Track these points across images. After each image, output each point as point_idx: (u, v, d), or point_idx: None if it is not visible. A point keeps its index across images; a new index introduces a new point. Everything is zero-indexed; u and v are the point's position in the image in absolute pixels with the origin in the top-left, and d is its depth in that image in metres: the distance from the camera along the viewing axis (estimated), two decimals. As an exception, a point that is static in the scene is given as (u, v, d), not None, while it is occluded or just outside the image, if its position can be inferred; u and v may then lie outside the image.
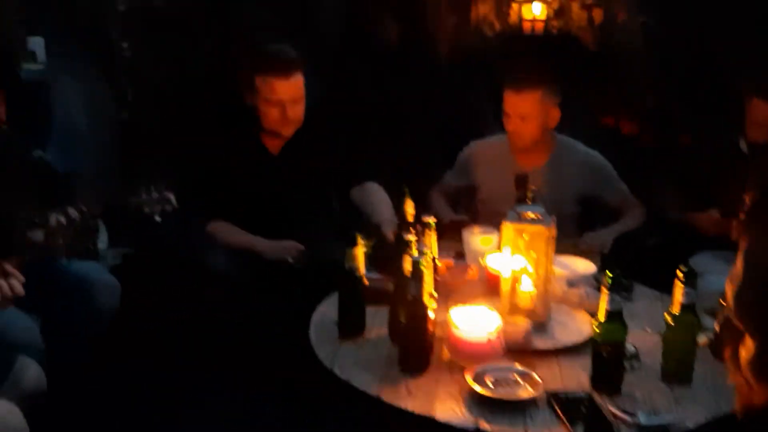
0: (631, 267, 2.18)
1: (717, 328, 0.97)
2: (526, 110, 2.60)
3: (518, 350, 1.80)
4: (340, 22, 3.89)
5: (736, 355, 0.90)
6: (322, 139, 2.64)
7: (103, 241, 3.26)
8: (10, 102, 2.18)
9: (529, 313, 1.93)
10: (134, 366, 2.63)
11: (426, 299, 1.72)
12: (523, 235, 1.92)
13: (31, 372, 1.88)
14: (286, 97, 2.47)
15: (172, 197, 2.13)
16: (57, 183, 3.26)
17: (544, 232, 1.91)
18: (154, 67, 3.78)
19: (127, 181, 3.43)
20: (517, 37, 3.79)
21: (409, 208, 2.17)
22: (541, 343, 1.87)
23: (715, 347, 1.62)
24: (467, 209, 2.85)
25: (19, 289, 1.79)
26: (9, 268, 1.79)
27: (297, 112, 2.50)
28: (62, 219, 2.02)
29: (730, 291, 0.90)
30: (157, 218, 2.12)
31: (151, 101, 3.75)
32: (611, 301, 1.63)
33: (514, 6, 3.84)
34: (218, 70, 3.70)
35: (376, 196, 2.59)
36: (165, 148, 3.57)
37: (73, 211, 2.02)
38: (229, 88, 2.95)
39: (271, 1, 3.80)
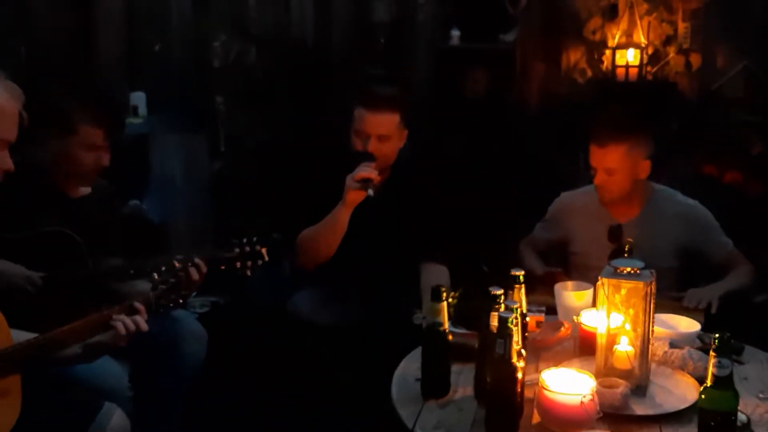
0: (740, 326, 2.02)
1: None
2: (612, 164, 2.49)
3: (615, 414, 1.68)
4: (430, 74, 3.91)
5: None
6: (412, 187, 2.64)
7: (192, 290, 3.32)
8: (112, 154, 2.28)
9: (627, 375, 1.80)
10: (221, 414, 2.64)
11: (514, 358, 1.63)
12: (621, 290, 1.81)
13: (116, 418, 1.88)
14: (371, 130, 2.50)
15: (264, 252, 2.15)
16: (151, 232, 3.38)
17: (642, 288, 1.79)
18: (246, 120, 3.89)
19: (220, 234, 3.51)
20: (610, 83, 3.68)
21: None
22: (640, 408, 1.74)
23: None
24: (559, 264, 2.74)
25: (144, 325, 1.81)
26: (138, 305, 1.82)
27: (379, 148, 2.51)
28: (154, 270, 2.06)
29: None
30: (248, 273, 2.14)
31: (244, 152, 3.86)
32: (719, 366, 1.50)
33: (607, 52, 3.74)
34: (310, 119, 3.79)
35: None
36: (257, 197, 3.65)
37: (165, 262, 2.06)
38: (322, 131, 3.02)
39: (360, 59, 3.86)
